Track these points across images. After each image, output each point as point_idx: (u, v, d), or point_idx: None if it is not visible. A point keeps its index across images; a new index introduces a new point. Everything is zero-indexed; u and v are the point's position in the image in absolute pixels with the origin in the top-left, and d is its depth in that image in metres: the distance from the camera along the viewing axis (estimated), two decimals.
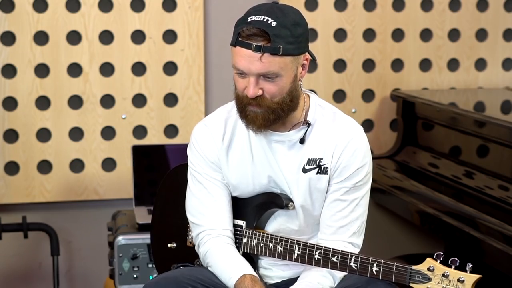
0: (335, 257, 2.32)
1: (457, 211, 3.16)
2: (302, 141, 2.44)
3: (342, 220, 2.44)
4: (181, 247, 2.60)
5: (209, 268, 2.47)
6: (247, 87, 2.33)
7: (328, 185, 2.45)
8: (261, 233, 2.46)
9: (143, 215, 3.45)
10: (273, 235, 2.45)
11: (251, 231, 2.48)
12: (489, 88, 4.11)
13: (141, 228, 3.37)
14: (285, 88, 2.35)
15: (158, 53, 3.79)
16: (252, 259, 2.51)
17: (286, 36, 2.28)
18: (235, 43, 2.32)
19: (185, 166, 2.59)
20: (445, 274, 2.16)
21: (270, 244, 2.44)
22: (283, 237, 2.43)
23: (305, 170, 2.44)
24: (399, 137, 3.90)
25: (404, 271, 2.23)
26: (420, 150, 3.78)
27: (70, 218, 3.87)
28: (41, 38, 3.67)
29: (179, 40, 3.79)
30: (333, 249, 2.34)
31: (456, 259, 2.17)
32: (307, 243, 2.39)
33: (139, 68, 3.79)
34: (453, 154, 3.55)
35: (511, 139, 3.12)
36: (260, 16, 2.30)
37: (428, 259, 2.20)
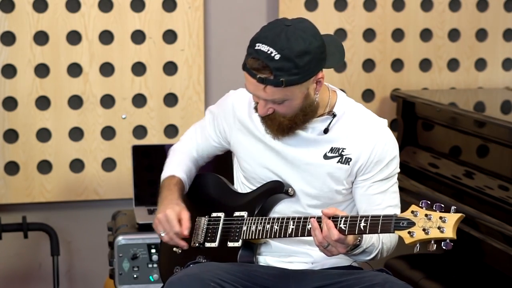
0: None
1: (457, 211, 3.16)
2: (326, 130, 2.47)
3: (380, 212, 2.46)
4: (185, 254, 2.62)
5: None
6: (259, 104, 2.40)
7: (357, 182, 2.49)
8: (259, 218, 2.50)
9: (143, 215, 3.45)
10: (269, 217, 2.49)
11: (251, 218, 2.52)
12: (489, 88, 4.12)
13: (141, 228, 3.38)
14: (296, 107, 2.39)
15: (158, 53, 3.79)
16: (251, 248, 2.54)
17: (289, 68, 2.30)
18: (243, 68, 2.37)
19: (205, 176, 2.74)
20: (428, 216, 2.15)
21: (268, 226, 2.47)
22: (279, 217, 2.46)
23: (326, 157, 2.48)
24: (399, 137, 3.89)
25: (389, 220, 2.21)
26: (420, 150, 3.78)
27: (70, 218, 3.87)
28: (41, 38, 3.67)
29: (179, 40, 3.79)
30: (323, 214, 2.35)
31: (442, 204, 2.16)
32: (301, 216, 2.42)
33: (139, 68, 3.79)
34: (453, 154, 3.55)
35: (511, 139, 3.12)
36: (266, 47, 2.30)
37: (413, 206, 2.19)
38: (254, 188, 2.59)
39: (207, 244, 2.58)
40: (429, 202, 2.17)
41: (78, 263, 3.92)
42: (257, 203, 2.54)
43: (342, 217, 2.29)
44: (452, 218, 2.13)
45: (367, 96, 4.03)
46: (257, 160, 2.56)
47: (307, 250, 2.51)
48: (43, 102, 3.72)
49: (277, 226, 2.44)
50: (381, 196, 2.49)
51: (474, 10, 4.06)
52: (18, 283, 3.88)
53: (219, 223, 2.57)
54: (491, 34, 4.10)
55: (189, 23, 3.79)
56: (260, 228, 2.48)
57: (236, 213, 2.56)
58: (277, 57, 2.28)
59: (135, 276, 3.32)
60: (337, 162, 2.47)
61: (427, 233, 2.14)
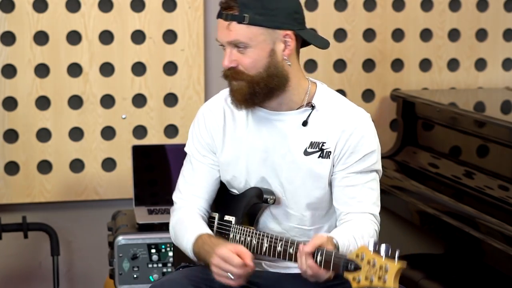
0: (292, 248, 2.29)
1: (457, 211, 3.16)
2: (305, 123, 2.42)
3: (356, 205, 2.41)
4: None
5: (174, 240, 2.54)
6: (225, 54, 2.39)
7: (333, 172, 2.42)
8: (244, 228, 2.46)
9: (143, 215, 3.45)
10: (250, 230, 2.44)
11: (238, 226, 2.48)
12: (489, 88, 4.12)
13: (141, 228, 3.38)
14: (259, 61, 2.35)
15: (158, 53, 3.79)
16: None
17: (255, 7, 2.31)
18: (216, 17, 2.40)
19: None
20: (372, 262, 2.09)
21: (248, 239, 2.43)
22: (258, 231, 2.42)
23: (307, 153, 2.42)
24: (399, 137, 3.90)
25: (339, 260, 2.16)
26: (420, 150, 3.78)
27: (70, 218, 3.87)
28: (41, 38, 3.68)
29: (179, 40, 3.79)
30: (291, 240, 2.31)
31: (388, 245, 2.09)
32: (273, 235, 2.37)
33: (139, 68, 3.79)
34: (453, 154, 3.55)
35: (511, 139, 3.12)
36: None
37: (362, 246, 2.13)
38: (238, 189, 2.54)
39: None
40: (376, 242, 2.11)
41: (78, 263, 3.92)
42: (242, 210, 2.49)
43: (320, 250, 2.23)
44: (394, 268, 2.06)
45: (367, 96, 4.03)
46: (239, 167, 2.48)
47: None
48: (43, 102, 3.72)
49: (255, 241, 2.40)
50: (356, 190, 2.41)
51: (474, 10, 4.06)
52: (18, 283, 3.88)
53: (214, 226, 2.55)
54: (491, 34, 4.10)
55: (189, 23, 3.79)
56: (242, 239, 2.44)
57: (226, 217, 2.53)
58: None
59: (135, 276, 3.32)
60: (318, 157, 2.41)
61: (370, 281, 2.08)
